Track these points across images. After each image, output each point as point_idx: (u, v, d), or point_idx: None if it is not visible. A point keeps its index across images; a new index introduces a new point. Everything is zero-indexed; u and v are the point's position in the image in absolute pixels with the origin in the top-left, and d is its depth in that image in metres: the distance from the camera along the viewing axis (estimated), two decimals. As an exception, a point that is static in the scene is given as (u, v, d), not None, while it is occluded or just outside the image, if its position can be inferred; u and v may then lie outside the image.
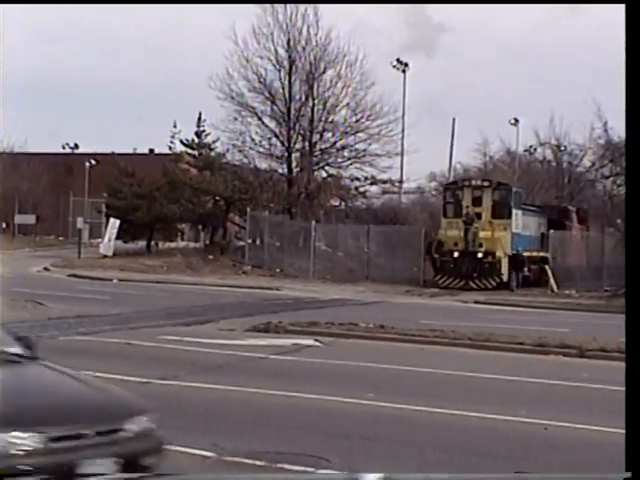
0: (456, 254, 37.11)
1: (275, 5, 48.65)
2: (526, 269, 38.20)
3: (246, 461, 8.45)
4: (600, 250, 39.23)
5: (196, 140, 56.27)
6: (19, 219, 71.08)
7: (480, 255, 37.06)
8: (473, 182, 40.64)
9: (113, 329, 19.18)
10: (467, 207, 37.59)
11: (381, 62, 61.74)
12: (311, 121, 49.36)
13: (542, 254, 40.72)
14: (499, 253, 37.19)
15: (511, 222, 38.08)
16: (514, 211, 38.50)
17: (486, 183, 40.06)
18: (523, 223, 39.50)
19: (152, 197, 51.76)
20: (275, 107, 49.51)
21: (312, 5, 48.57)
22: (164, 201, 51.11)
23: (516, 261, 37.43)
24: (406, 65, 56.62)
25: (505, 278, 37.42)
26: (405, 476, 5.80)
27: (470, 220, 37.02)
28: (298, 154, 50.48)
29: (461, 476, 7.43)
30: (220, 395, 11.87)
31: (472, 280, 36.84)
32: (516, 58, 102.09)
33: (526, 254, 38.98)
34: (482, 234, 37.30)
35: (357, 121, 49.82)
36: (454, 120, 59.54)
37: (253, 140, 49.93)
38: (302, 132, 49.81)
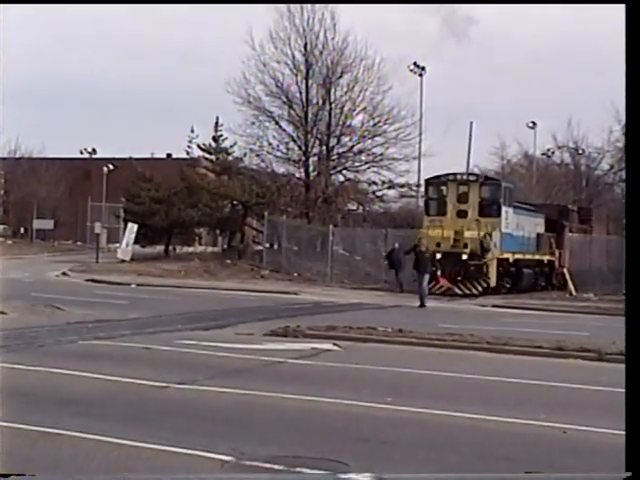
0: (439, 255, 33.92)
1: (292, 9, 48.91)
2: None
3: (265, 465, 8.44)
4: (619, 253, 37.10)
5: (213, 145, 56.54)
6: (37, 224, 71.57)
7: (465, 257, 34.25)
8: (458, 176, 37.15)
9: (132, 333, 19.24)
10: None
11: (399, 65, 61.53)
12: (328, 125, 49.49)
13: (537, 257, 38.38)
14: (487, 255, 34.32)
15: (500, 221, 35.20)
16: (504, 209, 35.62)
17: (472, 177, 37.37)
18: (515, 222, 36.63)
19: (170, 202, 51.95)
20: (292, 111, 49.67)
21: (329, 9, 48.79)
22: (182, 206, 51.28)
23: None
24: (423, 69, 56.60)
25: (493, 282, 34.61)
26: (399, 476, 5.75)
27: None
28: (315, 158, 50.62)
29: (460, 476, 7.40)
30: (238, 399, 11.87)
31: (456, 284, 34.20)
32: (534, 61, 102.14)
33: (518, 257, 36.45)
34: (467, 233, 34.49)
35: (374, 125, 49.90)
36: (471, 123, 59.29)
37: (270, 144, 50.21)
38: (319, 136, 49.94)
